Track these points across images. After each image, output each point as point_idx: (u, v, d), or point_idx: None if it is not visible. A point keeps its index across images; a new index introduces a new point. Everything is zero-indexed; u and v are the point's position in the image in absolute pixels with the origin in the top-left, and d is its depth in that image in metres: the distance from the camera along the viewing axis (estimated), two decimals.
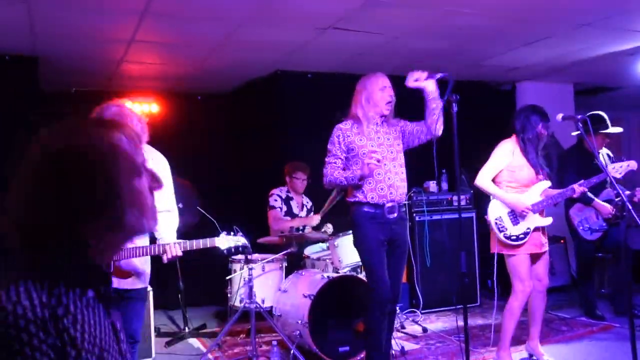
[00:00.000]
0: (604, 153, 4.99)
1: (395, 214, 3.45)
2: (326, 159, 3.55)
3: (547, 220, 3.78)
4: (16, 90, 4.78)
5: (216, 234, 2.98)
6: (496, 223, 3.74)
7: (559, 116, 3.57)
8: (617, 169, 3.82)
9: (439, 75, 3.34)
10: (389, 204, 3.42)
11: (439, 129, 3.46)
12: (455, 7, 4.14)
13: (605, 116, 4.84)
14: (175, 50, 4.95)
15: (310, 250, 4.99)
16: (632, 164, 3.81)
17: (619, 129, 4.91)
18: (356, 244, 3.54)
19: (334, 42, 4.92)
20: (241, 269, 4.50)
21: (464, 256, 2.84)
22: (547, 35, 5.03)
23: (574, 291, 6.05)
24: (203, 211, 4.51)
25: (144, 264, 2.82)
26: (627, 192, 4.45)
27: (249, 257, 4.28)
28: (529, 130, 3.71)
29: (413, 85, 3.42)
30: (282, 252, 4.59)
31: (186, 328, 5.10)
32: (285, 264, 4.78)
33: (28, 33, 4.25)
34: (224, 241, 2.95)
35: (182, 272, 5.19)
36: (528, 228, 3.70)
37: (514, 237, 3.70)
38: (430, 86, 3.41)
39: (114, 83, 5.99)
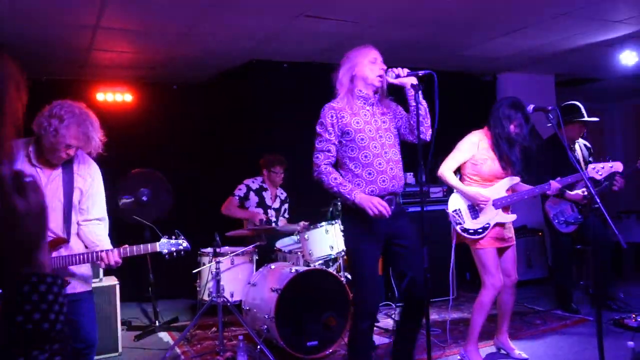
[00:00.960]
0: (581, 144, 4.94)
1: (394, 207, 2.99)
2: (316, 144, 3.03)
3: (510, 217, 3.70)
4: None
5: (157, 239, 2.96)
6: (453, 215, 3.70)
7: (530, 107, 3.50)
8: (598, 170, 3.74)
9: (421, 73, 2.95)
10: (388, 197, 2.98)
11: (425, 133, 3.02)
12: None
13: (581, 105, 4.77)
14: (145, 38, 4.83)
15: (282, 243, 4.91)
16: (617, 166, 3.71)
17: (594, 118, 4.86)
18: (347, 243, 3.16)
19: (307, 30, 4.83)
20: (209, 262, 4.41)
21: (426, 251, 2.76)
22: (524, 25, 4.97)
23: (551, 284, 6.03)
24: (139, 218, 4.41)
25: (80, 267, 2.79)
26: (606, 183, 4.41)
27: (218, 250, 4.20)
28: (500, 125, 3.59)
29: (394, 82, 3.03)
30: (251, 245, 4.51)
31: (157, 322, 5.01)
32: (256, 257, 4.70)
33: None
34: (165, 246, 2.91)
35: (153, 265, 5.10)
36: (487, 223, 3.63)
37: (471, 231, 3.64)
38: (409, 84, 2.99)
39: (86, 72, 5.85)
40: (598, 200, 3.08)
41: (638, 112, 9.85)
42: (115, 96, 6.26)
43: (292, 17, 4.44)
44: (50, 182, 2.71)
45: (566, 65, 6.64)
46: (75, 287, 2.75)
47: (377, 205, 2.81)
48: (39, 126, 2.62)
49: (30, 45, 4.84)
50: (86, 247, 2.81)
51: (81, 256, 2.71)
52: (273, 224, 5.02)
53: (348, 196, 2.89)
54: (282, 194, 5.39)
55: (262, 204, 5.18)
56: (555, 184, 3.76)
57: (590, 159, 4.93)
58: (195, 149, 6.50)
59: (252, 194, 5.17)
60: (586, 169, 4.41)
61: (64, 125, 2.60)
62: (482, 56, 6.07)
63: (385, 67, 3.05)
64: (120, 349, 4.32)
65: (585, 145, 4.97)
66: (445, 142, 3.89)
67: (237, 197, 5.16)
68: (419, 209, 5.52)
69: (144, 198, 4.84)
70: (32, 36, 4.63)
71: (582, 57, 6.21)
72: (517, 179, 3.71)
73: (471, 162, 3.68)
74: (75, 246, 2.79)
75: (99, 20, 4.21)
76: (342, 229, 4.56)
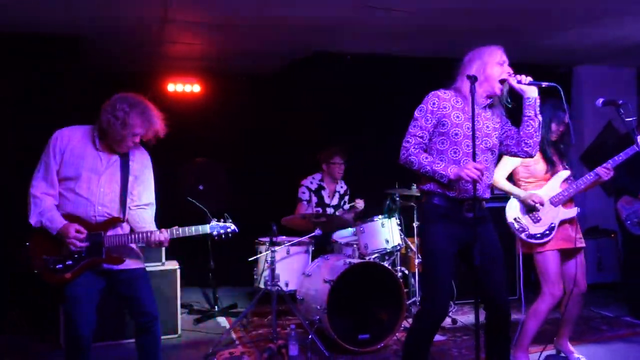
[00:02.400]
0: None
1: (474, 213, 2.77)
2: (410, 128, 2.90)
3: (573, 211, 3.54)
4: (58, 70, 4.92)
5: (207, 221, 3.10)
6: (513, 224, 3.56)
7: (599, 101, 3.31)
8: None
9: (544, 84, 2.84)
10: (469, 200, 2.81)
11: (534, 147, 2.92)
12: None
13: None
14: (212, 30, 4.96)
15: (339, 235, 4.92)
16: None
17: None
18: (422, 242, 3.04)
19: (370, 21, 4.78)
20: (266, 250, 4.49)
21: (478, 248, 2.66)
22: (604, 14, 4.67)
23: (622, 289, 5.70)
24: (193, 200, 4.55)
25: (132, 246, 2.99)
26: None
27: (274, 239, 4.26)
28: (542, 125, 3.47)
29: (515, 86, 2.88)
30: (307, 236, 4.54)
31: (216, 307, 5.17)
32: (312, 248, 4.74)
33: (66, 13, 4.35)
34: (215, 228, 3.06)
35: (215, 252, 5.26)
36: (552, 223, 3.48)
37: (538, 235, 3.49)
38: (530, 92, 2.87)
39: (158, 63, 6.08)
40: None
41: None
42: (185, 87, 6.49)
43: (354, 7, 4.40)
44: (110, 166, 2.91)
45: None
46: (129, 264, 2.93)
47: (472, 170, 2.68)
48: (107, 122, 2.82)
49: (104, 40, 5.09)
50: (132, 229, 2.99)
51: (136, 235, 2.91)
52: (328, 213, 5.02)
53: (443, 172, 2.76)
54: (341, 187, 5.37)
55: (321, 203, 5.21)
56: (602, 169, 3.48)
57: None
58: (259, 139, 6.61)
59: (312, 195, 5.21)
60: None
61: (130, 116, 2.81)
62: (558, 47, 5.78)
63: (511, 71, 2.92)
64: (179, 331, 4.49)
65: None
66: None
67: (305, 202, 5.21)
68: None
69: (200, 187, 5.02)
70: (106, 30, 4.86)
71: None
72: (568, 172, 3.57)
73: (522, 165, 3.59)
74: (127, 227, 2.98)
75: (166, 13, 4.35)
76: (398, 223, 4.53)
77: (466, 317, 4.90)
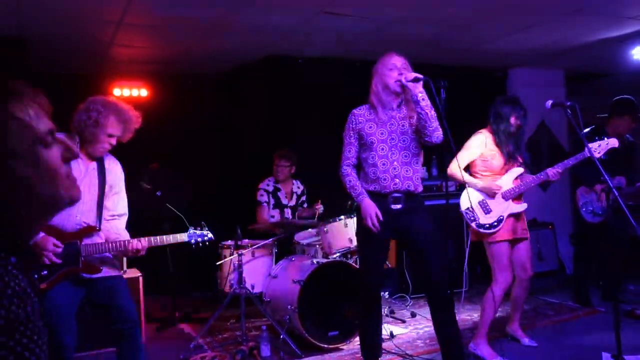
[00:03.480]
0: (625, 138, 4.89)
1: (401, 205, 3.19)
2: (343, 148, 3.39)
3: (521, 207, 3.82)
4: (3, 72, 4.71)
5: (185, 229, 3.13)
6: (467, 213, 3.82)
7: (549, 103, 3.56)
8: (595, 149, 3.71)
9: (421, 77, 3.08)
10: (394, 195, 3.20)
11: (432, 135, 3.13)
12: None
13: (633, 100, 4.78)
14: (166, 33, 4.89)
15: (300, 236, 5.00)
16: (612, 142, 3.70)
17: None
18: (356, 232, 3.52)
19: (325, 27, 4.89)
20: (231, 254, 4.50)
21: (451, 244, 2.86)
22: (541, 21, 5.03)
23: (562, 276, 6.12)
24: (172, 208, 4.53)
25: (108, 254, 2.97)
26: None
27: (239, 242, 4.29)
28: (500, 121, 3.80)
29: (406, 85, 3.13)
30: (271, 238, 4.60)
31: (176, 313, 5.11)
32: (275, 250, 4.80)
33: (14, 14, 4.18)
34: (192, 236, 3.10)
35: (173, 258, 5.20)
36: (501, 216, 3.75)
37: (487, 225, 3.75)
38: (414, 89, 3.09)
39: (104, 66, 5.92)
40: (616, 192, 3.15)
41: None
42: (132, 91, 6.33)
43: (313, 13, 4.50)
44: (88, 173, 2.87)
45: (577, 60, 6.70)
46: (106, 272, 2.92)
47: (371, 217, 3.15)
48: (79, 122, 2.78)
49: (51, 40, 4.90)
50: (106, 239, 2.96)
51: (114, 244, 2.89)
52: (290, 218, 5.10)
53: (356, 199, 3.28)
54: (298, 188, 5.46)
55: (278, 204, 5.27)
56: (552, 171, 3.77)
57: (636, 154, 4.97)
58: (211, 142, 6.56)
59: (270, 197, 5.27)
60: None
61: (103, 115, 2.80)
62: (496, 52, 6.13)
63: (404, 73, 3.18)
64: (143, 339, 4.40)
65: (628, 139, 4.94)
66: (458, 137, 3.99)
67: (264, 204, 5.26)
68: (433, 202, 5.62)
69: (158, 193, 4.96)
70: (55, 31, 4.68)
71: (593, 53, 6.26)
72: (521, 170, 3.84)
73: (481, 159, 3.85)
74: (102, 236, 2.95)
75: (123, 16, 4.28)
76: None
77: (424, 310, 5.11)
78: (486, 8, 4.60)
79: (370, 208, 3.18)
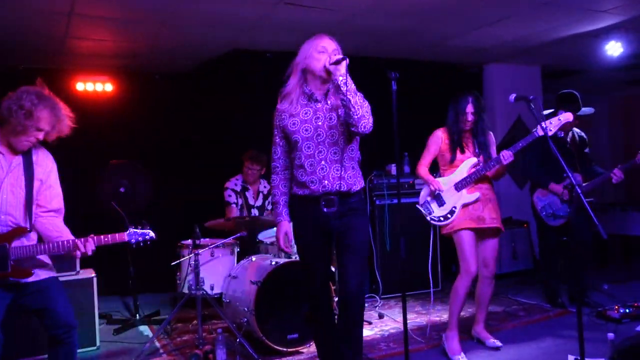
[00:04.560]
0: (576, 133, 4.87)
1: (334, 208, 2.84)
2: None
3: (473, 196, 3.74)
4: None
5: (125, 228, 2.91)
6: (422, 209, 3.89)
7: (512, 97, 3.45)
8: (547, 127, 3.56)
9: (342, 59, 2.71)
10: (326, 197, 2.84)
11: (358, 125, 2.72)
12: None
13: (577, 95, 4.69)
14: (123, 26, 4.73)
15: (264, 235, 4.85)
16: (566, 116, 3.60)
17: (589, 110, 4.81)
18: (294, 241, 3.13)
19: (289, 19, 4.74)
20: (189, 254, 4.34)
21: (404, 242, 2.72)
22: (509, 14, 4.92)
23: (537, 276, 6.02)
24: (115, 206, 4.35)
25: (39, 256, 2.77)
26: (605, 174, 4.51)
27: (197, 242, 4.13)
28: (455, 114, 3.82)
29: (327, 67, 2.77)
30: (231, 237, 4.44)
31: (137, 315, 4.94)
32: (237, 249, 4.64)
33: None
34: (132, 235, 2.89)
35: (134, 258, 5.02)
36: (454, 207, 3.76)
37: (441, 218, 3.78)
38: (336, 72, 2.71)
39: (65, 60, 5.72)
40: (579, 190, 3.04)
41: (624, 103, 9.87)
42: (96, 86, 6.15)
43: (273, 4, 4.35)
44: (12, 169, 2.68)
45: (552, 56, 6.61)
46: (39, 274, 2.73)
47: (279, 240, 3.01)
48: (8, 110, 2.58)
49: (2, 32, 4.71)
50: (43, 238, 2.77)
51: (54, 244, 2.68)
52: (251, 215, 4.95)
53: (274, 211, 3.04)
54: (265, 187, 5.31)
55: (246, 204, 5.12)
56: (506, 153, 3.63)
57: (587, 150, 4.88)
58: (176, 139, 6.39)
59: (238, 197, 5.11)
60: (577, 160, 4.43)
61: (38, 108, 2.59)
62: (468, 46, 6.02)
63: (336, 56, 2.77)
64: (98, 343, 4.25)
65: (579, 134, 4.90)
66: (430, 133, 3.96)
67: (233, 205, 5.11)
68: (407, 200, 5.48)
69: (122, 189, 4.77)
70: (4, 23, 4.49)
71: (568, 48, 6.18)
72: (474, 160, 3.79)
73: (439, 155, 3.91)
74: (33, 237, 2.76)
75: (72, 6, 4.10)
76: None
77: (392, 312, 4.98)
78: (453, 0, 4.47)
79: (280, 232, 2.99)
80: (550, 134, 3.51)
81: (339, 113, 2.85)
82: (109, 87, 6.21)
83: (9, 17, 4.32)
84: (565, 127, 4.68)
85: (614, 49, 5.76)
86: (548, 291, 5.06)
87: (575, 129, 4.87)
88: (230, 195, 5.13)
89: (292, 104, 2.92)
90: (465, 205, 3.74)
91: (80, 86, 6.07)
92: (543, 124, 3.46)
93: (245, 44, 5.49)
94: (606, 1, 4.69)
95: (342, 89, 2.69)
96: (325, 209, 2.85)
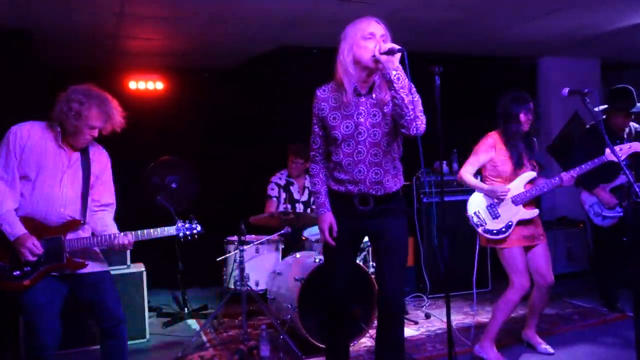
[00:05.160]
0: (633, 128, 4.57)
1: (370, 206, 2.74)
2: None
3: (532, 213, 3.54)
4: (12, 66, 4.71)
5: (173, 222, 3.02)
6: (472, 218, 3.60)
7: (565, 90, 3.29)
8: (618, 153, 3.40)
9: (397, 48, 2.44)
10: (361, 195, 2.74)
11: (410, 126, 2.51)
12: None
13: (632, 91, 4.42)
14: (171, 25, 4.81)
15: (309, 232, 4.83)
16: (635, 146, 3.45)
17: None
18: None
19: (336, 14, 4.69)
20: (234, 250, 4.37)
21: (447, 241, 2.63)
22: (563, 3, 4.69)
23: (592, 277, 5.76)
24: (163, 201, 4.43)
25: (94, 249, 2.89)
26: None
27: (243, 238, 4.15)
28: (509, 122, 3.53)
29: (377, 56, 2.51)
30: (276, 234, 4.45)
31: (185, 309, 5.03)
32: (282, 246, 4.65)
33: (21, 6, 4.15)
34: (180, 229, 2.99)
35: (183, 253, 5.11)
36: (510, 221, 3.51)
37: (495, 231, 3.52)
38: (389, 64, 2.45)
39: (117, 59, 5.88)
40: (637, 190, 2.87)
41: None
42: (147, 84, 6.31)
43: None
44: (72, 165, 2.79)
45: (612, 48, 6.29)
46: (93, 267, 2.83)
47: (323, 232, 2.80)
48: (60, 112, 2.71)
49: (56, 33, 4.86)
50: (93, 232, 2.87)
51: (99, 238, 2.79)
52: (295, 211, 4.94)
53: (316, 209, 2.88)
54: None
55: (290, 199, 5.11)
56: (567, 176, 3.52)
57: None
58: (225, 136, 6.46)
59: (281, 191, 5.12)
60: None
61: (85, 107, 2.68)
62: (522, 39, 5.80)
63: (387, 44, 2.50)
64: (147, 336, 4.35)
65: (637, 129, 4.58)
66: (481, 131, 3.75)
67: (274, 199, 5.10)
68: (454, 198, 5.36)
69: (173, 185, 4.86)
70: (58, 24, 4.63)
71: (629, 40, 5.87)
72: (533, 174, 3.57)
73: (491, 164, 3.60)
74: (88, 230, 2.86)
75: (122, 6, 4.19)
76: None
77: (440, 312, 4.87)
78: None
79: (324, 223, 2.79)
80: (622, 159, 3.32)
81: (384, 110, 2.65)
82: (159, 85, 6.35)
83: (61, 18, 4.45)
84: (618, 125, 4.45)
85: None
86: (604, 295, 4.82)
87: (633, 124, 4.60)
88: (272, 189, 5.14)
89: (334, 95, 2.72)
90: (520, 222, 3.53)
91: (132, 84, 6.23)
92: (616, 148, 3.31)
93: (291, 40, 5.49)
94: None
95: (395, 85, 2.45)
96: (360, 207, 2.76)
